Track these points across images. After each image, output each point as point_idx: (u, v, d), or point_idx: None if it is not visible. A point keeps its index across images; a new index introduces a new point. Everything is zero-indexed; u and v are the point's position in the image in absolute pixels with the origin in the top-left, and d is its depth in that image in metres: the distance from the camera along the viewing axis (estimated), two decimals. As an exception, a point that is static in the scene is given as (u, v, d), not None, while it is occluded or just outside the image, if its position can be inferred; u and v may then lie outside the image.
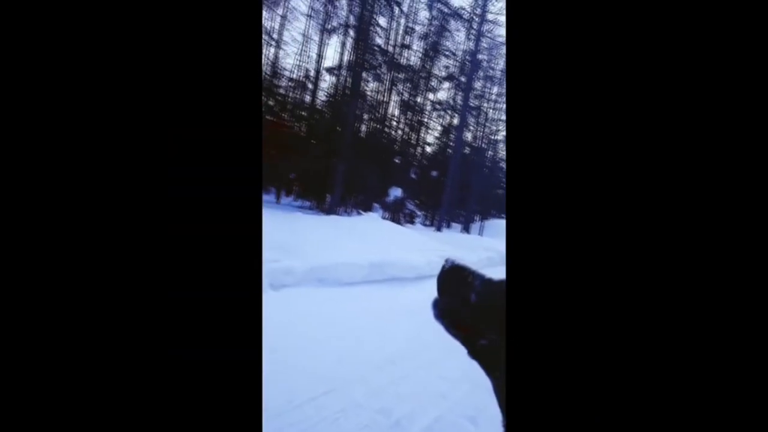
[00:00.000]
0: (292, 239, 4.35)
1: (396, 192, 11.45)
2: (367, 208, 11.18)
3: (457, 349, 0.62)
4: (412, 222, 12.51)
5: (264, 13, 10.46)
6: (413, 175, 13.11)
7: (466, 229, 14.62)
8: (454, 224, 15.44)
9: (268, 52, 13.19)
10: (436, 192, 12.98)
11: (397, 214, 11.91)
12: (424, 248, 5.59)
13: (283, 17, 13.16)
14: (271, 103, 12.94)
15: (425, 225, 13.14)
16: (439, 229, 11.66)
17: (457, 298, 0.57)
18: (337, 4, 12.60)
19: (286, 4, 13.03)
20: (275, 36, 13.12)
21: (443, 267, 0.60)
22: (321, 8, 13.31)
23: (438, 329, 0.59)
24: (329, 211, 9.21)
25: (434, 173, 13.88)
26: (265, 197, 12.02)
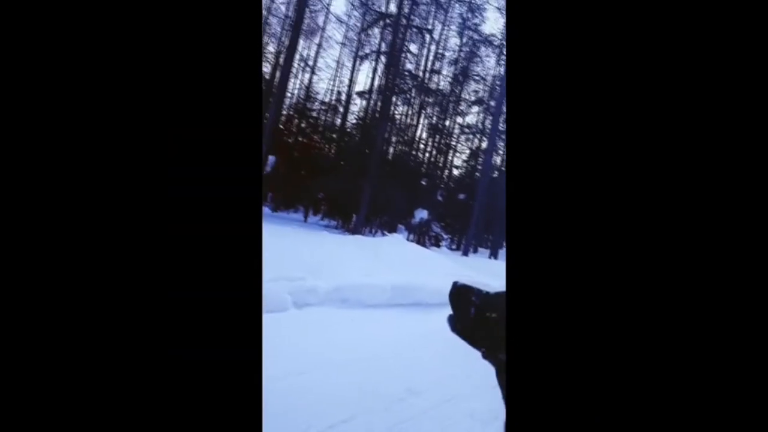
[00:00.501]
0: (318, 258, 4.35)
1: (422, 214, 11.35)
2: (392, 229, 11.13)
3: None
4: (437, 245, 12.28)
5: (301, 41, 11.05)
6: (440, 198, 12.99)
7: (494, 254, 14.15)
8: (481, 249, 15.01)
9: (303, 78, 13.85)
10: (463, 215, 12.75)
11: (423, 236, 11.75)
12: (450, 273, 5.41)
13: (319, 45, 13.89)
14: (303, 125, 13.46)
15: (451, 249, 12.86)
16: (465, 253, 11.35)
17: (462, 313, 0.65)
18: (370, 32, 13.17)
19: (323, 33, 13.78)
20: (310, 63, 13.81)
21: (452, 287, 0.69)
22: (355, 37, 13.95)
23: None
24: (354, 230, 9.24)
25: (462, 196, 13.69)
26: (293, 215, 12.29)
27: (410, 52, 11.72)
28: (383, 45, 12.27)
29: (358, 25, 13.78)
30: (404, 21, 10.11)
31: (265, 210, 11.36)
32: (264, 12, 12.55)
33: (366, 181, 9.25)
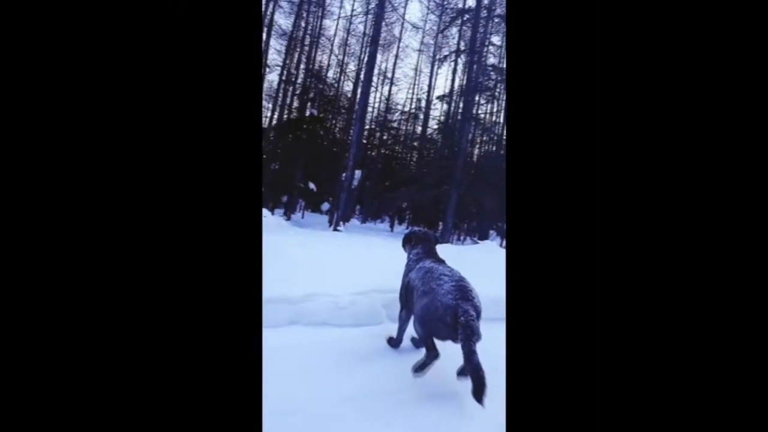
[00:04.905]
0: (404, 268, 4.19)
1: (516, 218, 10.36)
2: (483, 236, 10.43)
3: None
4: (536, 251, 11.05)
5: (378, 56, 11.35)
6: (536, 199, 11.75)
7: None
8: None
9: (383, 91, 14.24)
10: (565, 217, 11.27)
11: (518, 242, 10.71)
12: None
13: (396, 56, 14.15)
14: (385, 137, 13.77)
15: (553, 255, 11.44)
16: (571, 259, 9.95)
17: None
18: (447, 33, 12.90)
19: (399, 43, 14.02)
20: (389, 75, 14.13)
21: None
22: (431, 41, 13.83)
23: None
24: (442, 239, 8.90)
25: (562, 195, 12.17)
26: (380, 225, 12.55)
27: (492, 44, 11.02)
28: (462, 43, 11.85)
29: (434, 28, 13.66)
30: (485, 12, 9.57)
31: (354, 221, 11.81)
32: (343, 33, 13.34)
33: (451, 187, 8.86)
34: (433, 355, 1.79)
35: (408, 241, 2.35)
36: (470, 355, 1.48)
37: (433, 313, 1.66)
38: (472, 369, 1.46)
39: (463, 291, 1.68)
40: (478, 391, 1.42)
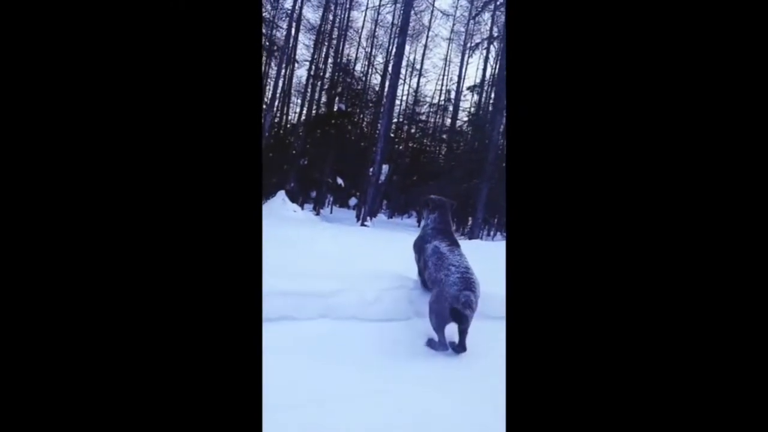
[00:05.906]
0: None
1: (550, 212, 9.92)
2: (515, 231, 10.07)
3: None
4: (571, 247, 10.55)
5: (407, 46, 11.17)
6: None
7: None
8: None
9: (411, 83, 14.05)
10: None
11: (552, 237, 10.26)
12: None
13: (425, 46, 13.88)
14: (413, 130, 13.61)
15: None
16: (610, 257, 9.42)
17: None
18: (479, 19, 12.47)
19: (428, 33, 13.73)
20: (417, 66, 13.90)
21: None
22: (462, 28, 13.44)
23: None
24: (471, 235, 8.69)
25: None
26: (407, 221, 12.48)
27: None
28: (495, 29, 11.41)
29: (466, 15, 13.23)
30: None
31: (381, 217, 11.82)
32: (371, 25, 13.25)
33: (481, 180, 8.61)
34: (442, 347, 2.12)
35: (425, 206, 2.58)
36: (463, 320, 2.01)
37: (442, 302, 2.05)
38: (461, 324, 2.04)
39: (467, 283, 2.02)
40: (462, 325, 2.06)
